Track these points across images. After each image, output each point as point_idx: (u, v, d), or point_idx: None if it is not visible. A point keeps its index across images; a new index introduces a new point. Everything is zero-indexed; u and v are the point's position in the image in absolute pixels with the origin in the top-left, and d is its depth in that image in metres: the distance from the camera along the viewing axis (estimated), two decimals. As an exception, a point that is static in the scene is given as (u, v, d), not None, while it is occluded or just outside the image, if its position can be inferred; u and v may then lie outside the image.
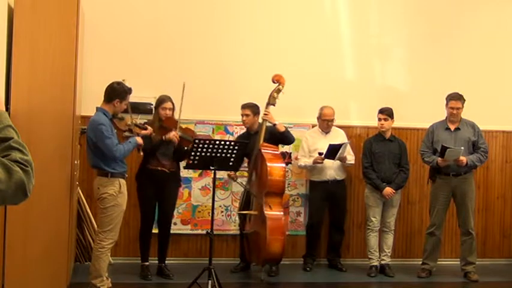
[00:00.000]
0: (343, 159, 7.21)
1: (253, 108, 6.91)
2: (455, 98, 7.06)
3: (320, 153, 7.08)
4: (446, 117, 7.16)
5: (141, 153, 6.23)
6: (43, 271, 5.62)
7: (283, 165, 6.68)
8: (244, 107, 6.92)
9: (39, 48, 5.58)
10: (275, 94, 6.71)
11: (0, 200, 2.12)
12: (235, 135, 7.43)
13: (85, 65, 6.67)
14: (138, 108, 6.72)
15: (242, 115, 6.93)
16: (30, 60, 5.54)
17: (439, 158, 6.95)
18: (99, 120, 5.69)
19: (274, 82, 6.73)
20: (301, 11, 7.73)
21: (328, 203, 7.38)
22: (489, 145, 7.49)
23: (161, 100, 6.59)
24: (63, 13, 5.66)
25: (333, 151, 6.98)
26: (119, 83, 5.83)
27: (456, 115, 7.08)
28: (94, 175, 5.94)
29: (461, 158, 6.89)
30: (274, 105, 6.73)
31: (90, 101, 6.38)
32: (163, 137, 6.38)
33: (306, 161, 7.27)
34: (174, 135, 6.37)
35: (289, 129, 6.92)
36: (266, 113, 6.70)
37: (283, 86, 6.71)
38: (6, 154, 2.14)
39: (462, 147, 6.92)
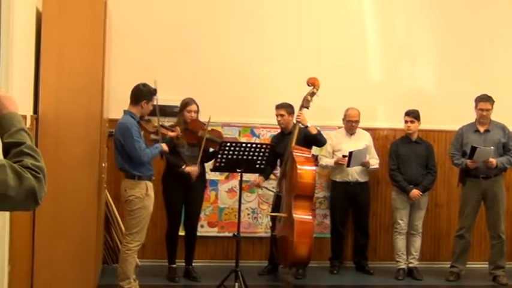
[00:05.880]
0: (366, 164, 7.17)
1: (287, 108, 6.87)
2: (484, 100, 6.99)
3: (344, 156, 7.04)
4: (476, 120, 7.08)
5: (164, 157, 6.27)
6: (71, 273, 5.67)
7: (314, 168, 6.64)
8: (279, 107, 6.89)
9: (67, 52, 5.64)
10: (309, 97, 6.65)
11: (11, 206, 2.12)
12: (262, 138, 7.42)
13: (111, 67, 6.70)
14: (165, 111, 6.73)
15: (277, 115, 6.89)
16: (58, 64, 5.60)
17: (469, 160, 6.88)
18: (127, 123, 5.72)
19: (308, 85, 6.67)
20: (327, 12, 7.70)
21: (351, 205, 7.35)
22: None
23: (186, 103, 6.59)
24: (91, 17, 5.71)
25: (355, 158, 6.95)
26: (144, 85, 5.86)
27: (485, 117, 7.01)
28: (122, 178, 5.97)
29: (491, 159, 6.82)
30: (307, 108, 6.67)
31: (117, 104, 6.41)
32: (183, 169, 6.42)
33: (327, 160, 7.24)
34: (193, 171, 6.41)
35: (318, 130, 6.91)
36: (299, 115, 6.66)
37: (317, 89, 6.64)
38: (18, 160, 2.10)
39: (492, 147, 6.85)
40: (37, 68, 5.55)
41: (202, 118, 6.54)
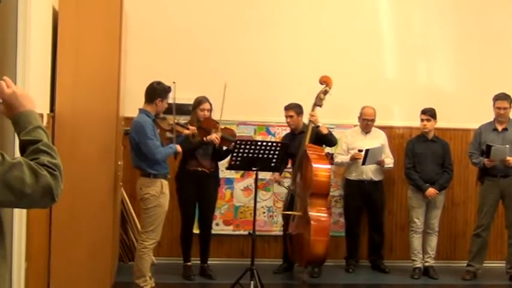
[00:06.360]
0: (381, 163, 7.15)
1: (296, 108, 6.88)
2: (501, 98, 6.95)
3: (360, 150, 7.02)
4: (494, 118, 7.04)
5: (179, 156, 6.29)
6: (87, 271, 5.70)
7: (329, 166, 6.63)
8: (288, 108, 6.90)
9: (84, 51, 5.67)
10: (322, 96, 6.65)
11: (27, 204, 2.13)
12: (277, 136, 7.42)
13: (127, 66, 6.73)
14: (181, 109, 6.73)
15: (286, 116, 6.90)
16: (75, 63, 5.63)
17: (486, 159, 6.84)
18: (141, 122, 5.74)
19: (321, 84, 6.66)
20: (342, 10, 7.68)
21: (365, 204, 7.33)
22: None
23: (199, 101, 6.59)
24: (107, 15, 5.74)
25: (371, 156, 6.93)
26: (158, 83, 5.88)
27: (503, 115, 6.97)
28: (137, 176, 5.99)
29: (508, 158, 6.77)
30: (320, 106, 6.67)
31: (132, 102, 6.42)
32: (205, 139, 6.39)
33: (342, 157, 7.23)
34: (216, 137, 6.37)
35: (331, 130, 6.89)
36: (312, 114, 6.65)
37: (330, 88, 6.64)
38: (35, 157, 2.11)
39: (507, 145, 6.80)
40: (53, 66, 5.59)
41: (216, 116, 6.55)
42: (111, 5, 5.78)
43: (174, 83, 5.94)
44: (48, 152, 2.14)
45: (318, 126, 6.68)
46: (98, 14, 5.72)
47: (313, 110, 6.66)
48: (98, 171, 5.72)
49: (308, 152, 6.50)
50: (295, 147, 6.69)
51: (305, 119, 6.87)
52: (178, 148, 5.99)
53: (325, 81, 6.66)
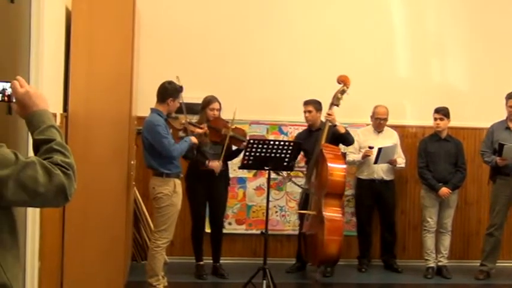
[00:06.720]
0: (393, 162, 7.13)
1: (315, 104, 6.86)
2: (514, 97, 6.93)
3: (370, 147, 7.01)
4: (507, 117, 7.01)
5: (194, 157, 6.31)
6: (101, 270, 5.72)
7: (345, 166, 6.60)
8: (307, 103, 6.87)
9: (96, 51, 5.69)
10: (339, 95, 6.61)
11: (41, 203, 2.15)
12: (290, 135, 7.41)
13: (140, 65, 6.74)
14: (193, 109, 6.74)
15: (305, 111, 6.88)
16: (88, 63, 5.65)
17: (498, 158, 6.81)
18: (154, 121, 5.75)
19: (339, 83, 6.63)
20: (355, 9, 7.66)
21: (376, 203, 7.31)
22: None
23: (208, 101, 6.58)
24: (120, 15, 5.75)
25: (383, 155, 6.91)
26: (170, 82, 5.89)
27: (516, 114, 6.94)
28: (150, 175, 6.01)
29: (520, 156, 6.75)
30: (338, 105, 6.64)
31: (144, 102, 6.43)
32: (207, 164, 6.42)
33: (354, 156, 7.21)
34: (217, 166, 6.41)
35: (343, 129, 6.89)
36: (330, 113, 6.63)
37: (348, 87, 6.60)
38: (48, 156, 2.12)
39: (519, 144, 6.78)
40: (67, 66, 5.61)
41: (227, 116, 6.55)
42: (124, 4, 5.80)
43: (177, 77, 5.95)
44: (62, 151, 2.15)
45: (335, 126, 6.65)
46: (111, 13, 5.74)
47: (330, 109, 6.63)
48: (110, 171, 5.74)
49: (324, 151, 6.48)
50: (310, 144, 6.69)
51: (322, 118, 6.85)
52: (193, 139, 6.00)
53: (343, 80, 6.63)
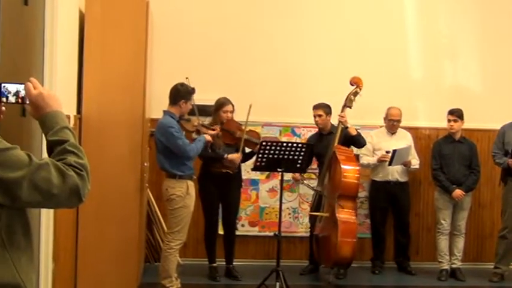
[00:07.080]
0: (407, 164, 7.10)
1: (325, 108, 6.84)
2: (526, 98, 6.90)
3: (388, 152, 6.98)
4: (518, 118, 6.99)
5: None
6: (114, 272, 5.73)
7: (358, 168, 6.58)
8: (317, 107, 6.85)
9: (110, 53, 5.70)
10: (352, 97, 6.59)
11: (55, 204, 2.15)
12: (303, 137, 7.41)
13: (153, 67, 6.76)
14: (205, 110, 6.75)
15: (315, 116, 6.85)
16: (101, 65, 5.66)
17: (510, 159, 6.78)
18: (168, 123, 5.77)
19: (352, 85, 6.60)
20: (368, 11, 7.65)
21: (391, 205, 7.29)
22: None
23: (222, 103, 6.57)
24: (133, 18, 5.77)
25: (398, 156, 6.89)
26: (182, 84, 5.91)
27: (528, 115, 6.91)
28: (163, 177, 6.02)
29: (531, 158, 6.72)
30: (350, 107, 6.62)
31: (157, 104, 6.46)
32: (226, 157, 6.43)
33: (369, 159, 7.19)
34: (236, 158, 6.44)
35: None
36: (342, 115, 6.60)
37: (361, 89, 6.58)
38: (62, 158, 2.13)
39: (530, 147, 6.75)
40: (80, 68, 5.63)
41: (239, 118, 6.55)
42: (137, 7, 5.81)
43: (186, 78, 5.97)
44: (75, 152, 2.16)
45: (347, 128, 6.63)
46: (124, 16, 5.75)
47: (342, 111, 6.61)
48: (124, 173, 5.75)
49: (337, 153, 6.47)
50: (322, 147, 6.67)
51: (332, 120, 6.84)
52: (208, 137, 6.02)
53: (355, 82, 6.61)
